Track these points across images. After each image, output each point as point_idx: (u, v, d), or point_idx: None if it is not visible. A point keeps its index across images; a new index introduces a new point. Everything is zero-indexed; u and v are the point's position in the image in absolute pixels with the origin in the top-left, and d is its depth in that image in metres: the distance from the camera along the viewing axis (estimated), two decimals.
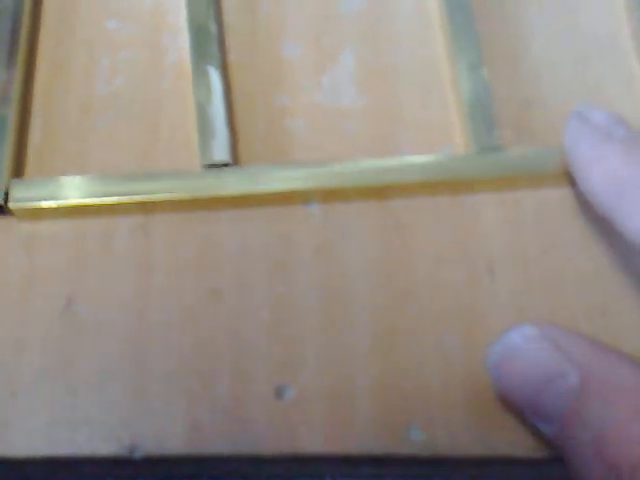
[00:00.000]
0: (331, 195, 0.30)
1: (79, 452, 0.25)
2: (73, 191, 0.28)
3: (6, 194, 0.28)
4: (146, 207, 0.29)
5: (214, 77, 0.31)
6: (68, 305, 0.27)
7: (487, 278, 0.28)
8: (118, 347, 0.27)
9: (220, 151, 0.30)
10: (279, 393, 0.26)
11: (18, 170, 0.30)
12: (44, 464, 0.26)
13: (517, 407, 0.24)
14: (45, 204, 0.28)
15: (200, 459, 0.26)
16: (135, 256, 0.28)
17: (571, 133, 0.28)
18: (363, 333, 0.27)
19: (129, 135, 0.31)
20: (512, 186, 0.30)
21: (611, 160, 0.26)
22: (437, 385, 0.27)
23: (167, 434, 0.25)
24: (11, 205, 0.28)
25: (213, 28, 0.31)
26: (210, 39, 0.31)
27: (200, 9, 0.32)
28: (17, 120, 0.29)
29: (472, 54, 0.31)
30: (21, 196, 0.28)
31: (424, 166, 0.29)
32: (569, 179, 0.29)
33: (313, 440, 0.26)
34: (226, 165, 0.29)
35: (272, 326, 0.27)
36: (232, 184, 0.29)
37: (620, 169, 0.25)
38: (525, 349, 0.23)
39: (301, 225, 0.29)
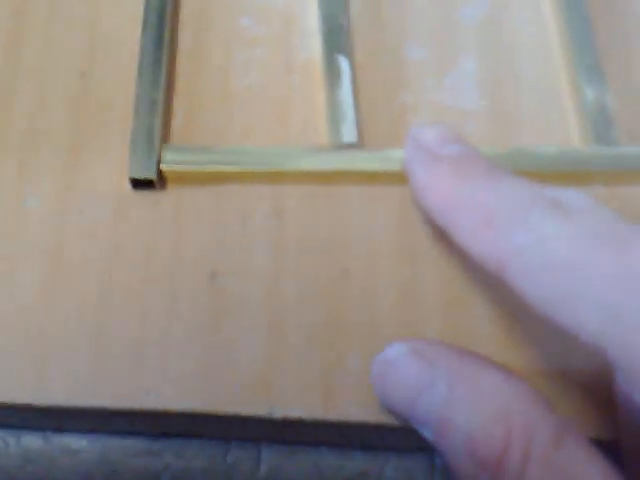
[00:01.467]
0: None
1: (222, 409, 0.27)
2: (216, 158, 0.30)
3: (158, 161, 0.30)
4: (280, 178, 0.30)
5: (344, 64, 0.33)
6: (212, 277, 0.29)
7: None
8: (256, 317, 0.28)
9: (349, 133, 0.31)
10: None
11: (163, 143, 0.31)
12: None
13: (399, 416, 0.26)
14: (195, 168, 0.30)
15: (330, 424, 0.27)
16: (270, 235, 0.30)
17: (406, 158, 0.28)
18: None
19: (262, 127, 0.32)
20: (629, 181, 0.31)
21: (441, 184, 0.26)
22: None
23: (302, 399, 0.27)
24: (164, 167, 0.30)
25: (344, 22, 0.34)
26: (341, 32, 0.33)
27: (332, 6, 0.34)
28: (164, 105, 0.32)
29: (590, 59, 0.33)
30: (172, 159, 0.30)
31: (548, 156, 0.31)
32: None
33: None
34: (353, 147, 0.31)
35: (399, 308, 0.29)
36: (360, 162, 0.30)
37: (451, 193, 0.25)
38: (397, 363, 0.25)
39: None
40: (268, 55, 0.34)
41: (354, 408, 0.26)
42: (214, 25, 0.34)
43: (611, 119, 0.32)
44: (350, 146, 0.31)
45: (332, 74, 0.33)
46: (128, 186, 0.30)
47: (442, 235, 0.29)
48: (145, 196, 0.30)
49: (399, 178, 0.30)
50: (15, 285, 0.28)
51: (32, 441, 0.29)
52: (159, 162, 0.30)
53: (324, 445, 0.28)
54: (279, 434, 0.28)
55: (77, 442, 0.29)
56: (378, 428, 0.26)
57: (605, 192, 0.31)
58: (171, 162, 0.30)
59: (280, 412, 0.26)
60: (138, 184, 0.30)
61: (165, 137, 0.31)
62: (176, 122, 0.32)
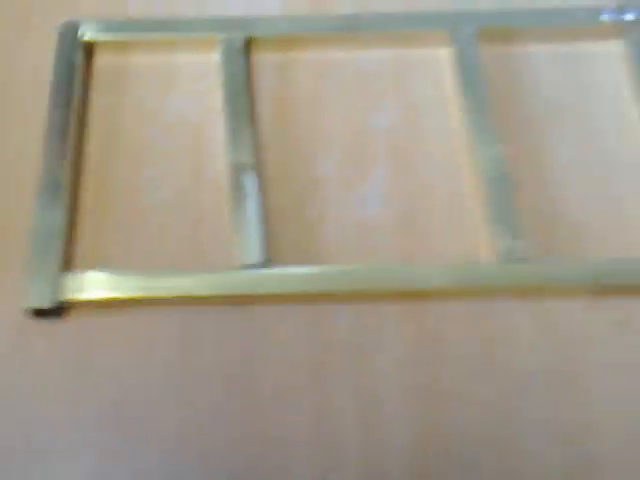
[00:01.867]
0: (359, 297, 0.31)
1: None
2: (125, 284, 0.30)
3: (58, 290, 0.29)
4: (189, 302, 0.30)
5: (249, 183, 0.33)
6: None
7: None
8: None
9: (255, 252, 0.31)
10: None
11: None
12: None
13: None
14: (97, 296, 0.29)
15: None
16: (179, 362, 0.29)
17: None
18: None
19: (172, 248, 0.32)
20: (540, 295, 0.31)
21: None
22: None
23: None
24: (64, 297, 0.29)
25: (251, 137, 0.34)
26: (246, 148, 0.33)
27: (238, 120, 0.34)
28: (66, 227, 0.31)
29: (497, 169, 0.33)
30: (74, 287, 0.29)
31: (452, 272, 0.31)
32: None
33: None
34: (260, 266, 0.31)
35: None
36: (267, 284, 0.30)
37: None
38: None
39: (331, 327, 0.30)
40: (178, 171, 0.34)
41: None
42: (123, 139, 0.34)
43: (517, 227, 0.32)
44: (256, 266, 0.31)
45: (238, 193, 0.33)
46: (27, 314, 0.29)
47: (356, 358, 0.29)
48: (44, 325, 0.29)
49: (308, 297, 0.30)
50: None
51: None
52: (60, 290, 0.29)
53: None
54: None
55: None
56: None
57: (513, 306, 0.31)
58: (72, 291, 0.29)
59: None
60: (39, 313, 0.29)
61: (67, 262, 0.31)
62: (80, 245, 0.31)
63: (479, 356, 0.30)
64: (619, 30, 0.37)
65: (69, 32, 0.36)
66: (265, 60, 0.37)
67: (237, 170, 0.33)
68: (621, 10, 0.38)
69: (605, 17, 0.38)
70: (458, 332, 0.30)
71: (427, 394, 0.29)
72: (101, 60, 0.36)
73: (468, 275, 0.31)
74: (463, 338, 0.30)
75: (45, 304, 0.29)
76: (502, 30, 0.37)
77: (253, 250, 0.31)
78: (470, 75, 0.36)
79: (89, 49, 0.36)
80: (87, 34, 0.36)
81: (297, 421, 0.28)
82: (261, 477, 0.27)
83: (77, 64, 0.35)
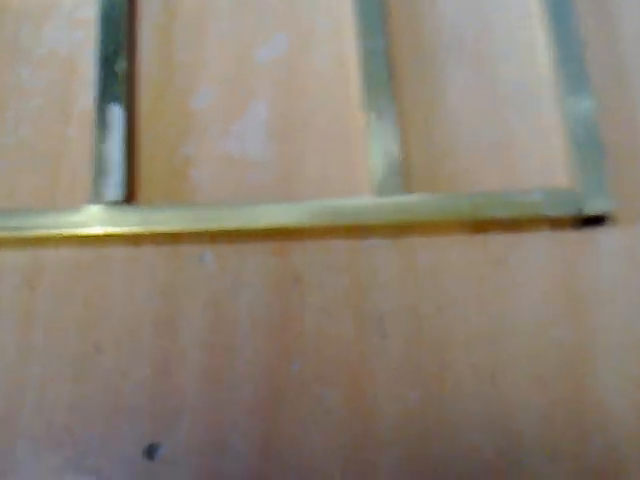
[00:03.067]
0: (224, 238, 0.29)
1: None
2: None
3: None
4: (38, 242, 0.29)
5: (116, 114, 0.31)
6: None
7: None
8: None
9: (113, 189, 0.29)
10: (150, 452, 0.25)
11: None
12: None
13: None
14: None
15: None
16: (19, 309, 0.28)
17: None
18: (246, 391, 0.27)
19: (29, 186, 0.30)
20: (409, 233, 0.29)
21: None
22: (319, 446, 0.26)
23: None
24: None
25: (122, 67, 0.32)
26: (118, 79, 0.31)
27: (109, 49, 0.32)
28: None
29: (385, 105, 0.31)
30: None
31: (321, 209, 0.29)
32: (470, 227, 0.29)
33: None
34: (119, 204, 0.29)
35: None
36: (124, 221, 0.29)
37: None
38: None
39: (193, 275, 0.29)
40: (44, 107, 0.32)
41: None
42: None
43: (398, 163, 0.30)
44: (115, 204, 0.29)
45: (102, 125, 0.31)
46: None
47: (213, 302, 0.27)
48: None
49: (168, 237, 0.29)
50: None
51: None
52: None
53: None
54: None
55: None
56: None
57: (385, 243, 0.29)
58: None
59: None
60: None
61: None
62: None
63: (341, 297, 0.28)
64: None
65: None
66: None
67: (103, 104, 0.31)
68: None
69: None
70: (320, 272, 0.29)
71: (281, 335, 0.27)
72: None
73: (340, 211, 0.29)
74: (325, 279, 0.28)
75: None
76: None
77: (114, 188, 0.29)
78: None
79: None
80: None
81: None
82: None
83: None
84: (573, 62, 0.31)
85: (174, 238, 0.29)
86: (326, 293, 0.28)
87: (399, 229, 0.29)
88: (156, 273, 0.29)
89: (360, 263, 0.29)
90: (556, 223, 0.29)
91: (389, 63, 0.32)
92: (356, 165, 0.31)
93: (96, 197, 0.29)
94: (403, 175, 0.30)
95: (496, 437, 0.26)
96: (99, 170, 0.30)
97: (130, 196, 0.30)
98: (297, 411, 0.26)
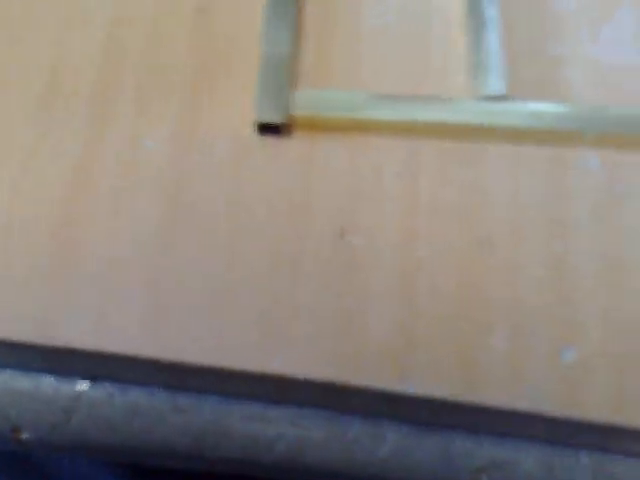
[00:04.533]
0: (611, 143, 0.27)
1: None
2: (351, 104, 0.28)
3: (287, 106, 0.28)
4: (416, 131, 0.28)
5: (490, 9, 0.29)
6: (342, 234, 0.26)
7: None
8: (385, 281, 0.26)
9: (495, 84, 0.28)
10: (560, 353, 0.24)
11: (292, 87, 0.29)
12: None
13: None
14: (327, 114, 0.28)
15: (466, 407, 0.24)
16: (402, 194, 0.27)
17: None
18: None
19: (395, 73, 0.29)
20: None
21: None
22: None
23: (439, 375, 0.24)
24: (296, 113, 0.27)
25: None
26: None
27: None
28: (292, 45, 0.29)
29: None
30: (304, 104, 0.28)
31: None
32: None
33: (598, 407, 0.24)
34: (500, 99, 0.28)
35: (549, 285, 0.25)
36: (507, 117, 0.27)
37: None
38: None
39: (579, 179, 0.27)
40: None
41: (497, 392, 0.24)
42: None
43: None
44: (496, 98, 0.28)
45: (476, 20, 0.29)
46: (252, 130, 0.28)
47: (600, 206, 0.26)
48: (270, 142, 0.28)
49: (551, 137, 0.27)
50: (133, 221, 0.27)
51: (139, 396, 0.28)
52: (288, 107, 0.27)
53: (455, 428, 0.26)
54: (406, 412, 0.26)
55: (185, 400, 0.27)
56: (523, 416, 0.24)
57: None
58: (302, 107, 0.28)
59: (413, 389, 0.24)
60: (265, 129, 0.27)
61: (293, 80, 0.29)
62: (304, 64, 0.29)
63: None
64: None
65: None
66: None
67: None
68: None
69: None
70: None
71: None
72: None
73: None
74: None
75: (274, 119, 0.27)
76: None
77: (492, 82, 0.28)
78: None
79: None
80: None
81: None
82: None
83: None
84: None
85: (556, 138, 0.28)
86: None
87: None
88: (539, 174, 0.27)
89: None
90: None
91: None
92: None
93: (475, 90, 0.28)
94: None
95: None
96: (478, 64, 0.29)
97: (506, 92, 0.28)
98: None
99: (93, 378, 0.28)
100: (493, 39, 0.29)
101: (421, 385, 0.24)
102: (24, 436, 0.27)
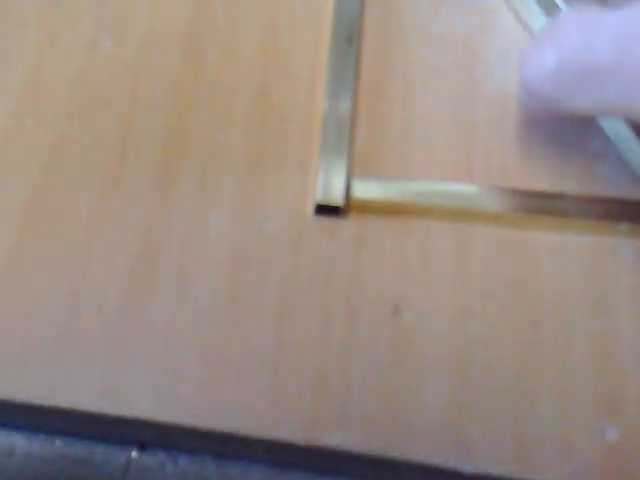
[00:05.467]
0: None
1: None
2: (404, 191, 0.29)
3: (348, 189, 0.29)
4: (467, 217, 0.29)
5: None
6: (396, 311, 0.27)
7: None
8: (439, 356, 0.27)
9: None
10: (604, 431, 0.25)
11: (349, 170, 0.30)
12: None
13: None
14: (383, 199, 0.29)
15: None
16: (454, 273, 0.28)
17: None
18: None
19: (444, 161, 0.31)
20: None
21: None
22: None
23: (493, 451, 0.25)
24: (354, 196, 0.29)
25: None
26: None
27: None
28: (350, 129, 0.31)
29: None
30: (362, 188, 0.29)
31: None
32: None
33: None
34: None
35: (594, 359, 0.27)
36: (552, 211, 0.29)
37: None
38: None
39: (615, 264, 0.29)
40: (450, 85, 0.33)
41: (549, 468, 0.25)
42: (395, 53, 0.33)
43: None
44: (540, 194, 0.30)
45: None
46: (309, 210, 0.29)
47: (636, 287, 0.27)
48: (325, 222, 0.29)
49: (591, 228, 0.29)
50: (194, 298, 0.28)
51: (190, 464, 0.28)
52: (347, 190, 0.29)
53: None
54: None
55: (235, 470, 0.28)
56: None
57: None
58: (361, 191, 0.29)
59: (470, 465, 0.24)
60: (323, 210, 0.29)
61: (351, 164, 0.30)
62: (358, 149, 0.31)
63: None
64: None
65: None
66: None
67: None
68: None
69: None
70: None
71: None
72: None
73: None
74: None
75: (334, 202, 0.29)
76: None
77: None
78: None
79: None
80: None
81: None
82: None
83: None
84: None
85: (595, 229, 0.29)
86: None
87: None
88: (582, 260, 0.29)
89: None
90: None
91: None
92: None
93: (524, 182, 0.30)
94: None
95: None
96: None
97: None
98: None
99: (143, 446, 0.28)
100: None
101: (476, 460, 0.24)
102: None
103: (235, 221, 0.29)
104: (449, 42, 0.33)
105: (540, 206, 0.29)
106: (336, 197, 0.29)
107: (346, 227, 0.29)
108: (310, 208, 0.29)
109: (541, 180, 0.30)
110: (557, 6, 0.33)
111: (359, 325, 0.27)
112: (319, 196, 0.29)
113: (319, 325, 0.27)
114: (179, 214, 0.29)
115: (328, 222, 0.29)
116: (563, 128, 0.31)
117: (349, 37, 0.32)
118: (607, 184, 0.30)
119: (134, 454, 0.28)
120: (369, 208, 0.29)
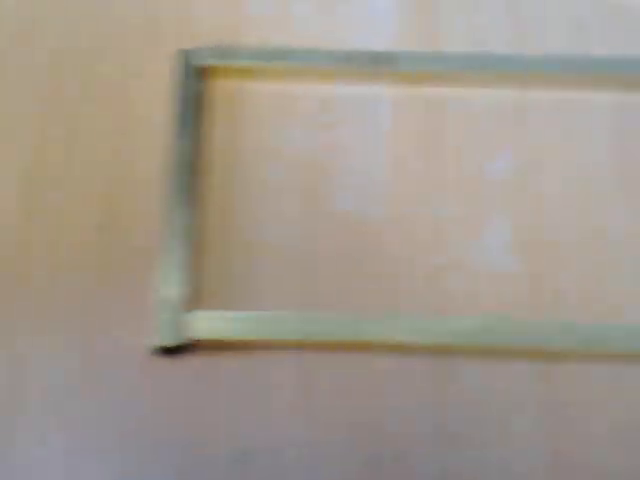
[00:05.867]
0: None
1: None
2: (251, 325, 0.29)
3: (186, 329, 0.29)
4: (310, 346, 0.29)
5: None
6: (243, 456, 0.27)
7: None
8: None
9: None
10: None
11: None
12: None
13: None
14: (226, 336, 0.29)
15: None
16: (294, 407, 0.28)
17: None
18: None
19: (290, 288, 0.31)
20: None
21: None
22: None
23: None
24: (194, 335, 0.29)
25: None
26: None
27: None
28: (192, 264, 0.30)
29: None
30: (202, 328, 0.29)
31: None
32: None
33: None
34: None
35: None
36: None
37: None
38: None
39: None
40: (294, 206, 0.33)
41: None
42: (237, 176, 0.33)
43: None
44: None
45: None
46: (150, 349, 0.29)
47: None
48: (164, 361, 0.29)
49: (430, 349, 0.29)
50: None
51: None
52: (186, 329, 0.29)
53: None
54: None
55: None
56: None
57: None
58: (201, 329, 0.29)
59: None
60: (163, 351, 0.28)
61: (192, 302, 0.30)
62: (203, 283, 0.30)
63: None
64: None
65: (185, 59, 0.34)
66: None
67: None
68: None
69: None
70: None
71: None
72: (219, 87, 0.35)
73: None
74: None
75: (172, 342, 0.28)
76: None
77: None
78: None
79: (208, 74, 0.35)
80: (206, 60, 0.34)
81: None
82: None
83: (197, 93, 0.34)
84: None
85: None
86: None
87: None
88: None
89: None
90: None
91: None
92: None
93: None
94: None
95: None
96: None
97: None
98: None
99: None
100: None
101: None
102: None
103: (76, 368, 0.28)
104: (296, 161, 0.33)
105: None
106: (173, 337, 0.28)
107: (189, 364, 0.29)
108: (148, 347, 0.29)
109: None
110: None
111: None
112: (157, 338, 0.28)
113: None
114: None
115: (166, 360, 0.29)
116: None
117: (189, 169, 0.32)
118: None
119: None
120: (214, 345, 0.29)
